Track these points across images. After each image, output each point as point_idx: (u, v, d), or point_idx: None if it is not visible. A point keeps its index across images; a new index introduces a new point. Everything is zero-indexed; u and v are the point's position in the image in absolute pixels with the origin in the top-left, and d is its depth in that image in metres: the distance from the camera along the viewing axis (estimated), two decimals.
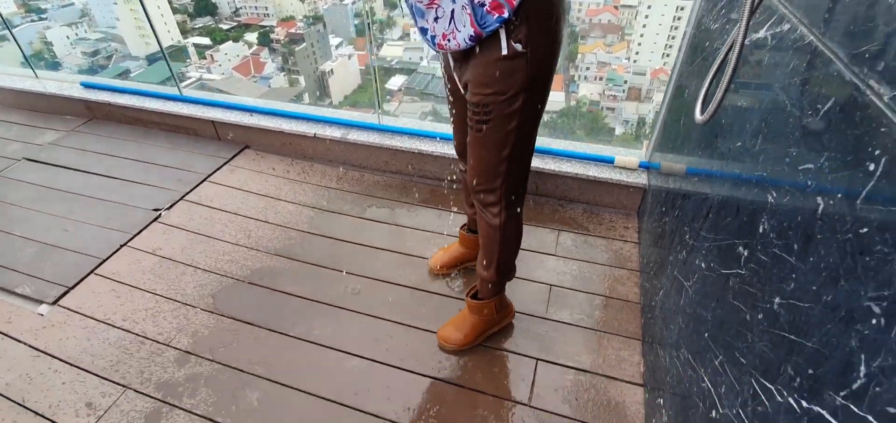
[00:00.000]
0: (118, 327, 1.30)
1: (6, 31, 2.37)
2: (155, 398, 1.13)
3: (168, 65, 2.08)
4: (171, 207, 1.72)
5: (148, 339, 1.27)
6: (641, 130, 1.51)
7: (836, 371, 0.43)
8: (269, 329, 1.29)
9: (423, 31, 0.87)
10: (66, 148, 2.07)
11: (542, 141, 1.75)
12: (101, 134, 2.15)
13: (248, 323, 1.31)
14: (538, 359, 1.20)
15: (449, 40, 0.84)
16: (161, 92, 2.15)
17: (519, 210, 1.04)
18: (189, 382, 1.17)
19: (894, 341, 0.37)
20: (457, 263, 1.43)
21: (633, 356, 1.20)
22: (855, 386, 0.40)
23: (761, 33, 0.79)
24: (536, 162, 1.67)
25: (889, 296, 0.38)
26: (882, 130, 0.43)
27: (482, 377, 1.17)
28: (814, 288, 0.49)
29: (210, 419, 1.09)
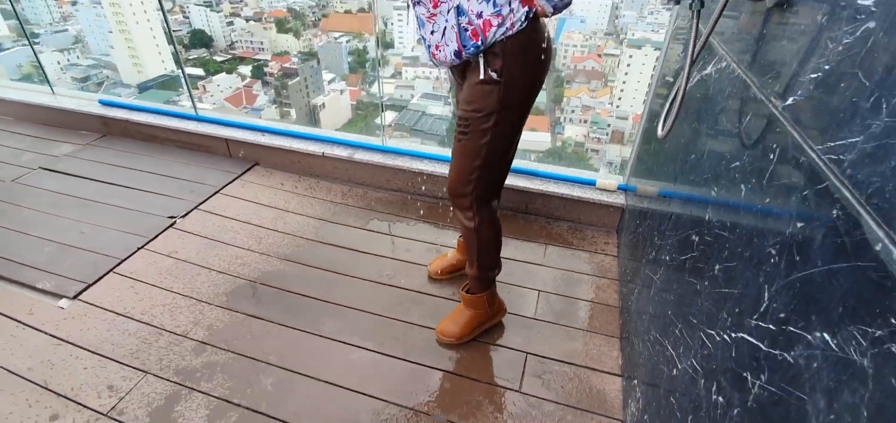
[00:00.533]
0: (137, 320, 1.38)
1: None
2: (174, 382, 1.21)
3: (187, 85, 2.23)
4: (185, 215, 1.83)
5: (166, 331, 1.35)
6: (624, 172, 1.71)
7: (751, 304, 0.58)
8: (281, 324, 1.39)
9: (424, 40, 1.05)
10: (82, 159, 2.17)
11: (531, 164, 1.94)
12: (117, 148, 2.27)
13: (261, 318, 1.41)
14: (527, 353, 1.33)
15: (440, 52, 1.02)
16: (177, 111, 2.30)
17: (490, 215, 1.20)
18: (206, 369, 1.25)
19: (783, 272, 0.53)
20: (453, 269, 1.57)
21: (612, 351, 1.33)
22: (762, 309, 0.56)
23: (708, 70, 0.99)
24: (526, 183, 1.85)
25: (780, 242, 0.54)
26: (777, 131, 0.61)
27: (477, 368, 1.28)
28: (739, 250, 0.65)
29: (226, 401, 1.17)
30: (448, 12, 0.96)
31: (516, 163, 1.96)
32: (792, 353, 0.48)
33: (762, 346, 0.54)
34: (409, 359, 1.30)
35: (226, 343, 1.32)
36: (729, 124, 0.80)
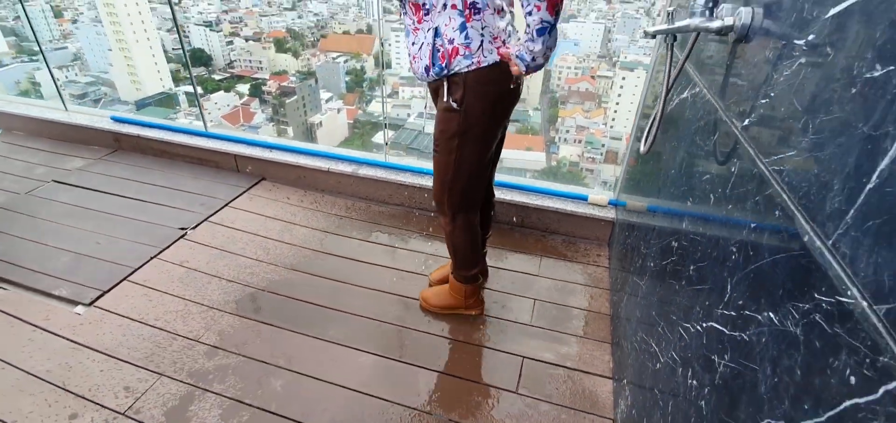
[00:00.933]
0: (151, 325, 1.44)
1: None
2: (188, 384, 1.27)
3: (198, 103, 2.33)
4: (196, 226, 1.91)
5: (179, 336, 1.42)
6: (615, 188, 1.83)
7: (718, 296, 0.67)
8: (289, 329, 1.46)
9: (408, 47, 1.16)
10: (94, 173, 2.25)
11: (526, 180, 2.04)
12: (128, 162, 2.35)
13: (270, 324, 1.47)
14: (524, 357, 1.40)
15: (415, 62, 1.14)
16: (188, 127, 2.39)
17: (465, 222, 1.32)
18: (218, 371, 1.31)
19: (741, 266, 0.62)
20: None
21: (604, 356, 1.41)
22: (725, 299, 0.64)
23: (685, 94, 1.10)
24: (522, 198, 1.94)
25: (739, 241, 0.64)
26: (737, 148, 0.71)
27: (476, 371, 1.35)
28: (708, 251, 0.74)
29: (238, 401, 1.23)
30: (428, 31, 1.07)
31: (512, 179, 2.06)
32: (747, 332, 0.56)
33: (725, 330, 0.62)
34: (411, 362, 1.37)
35: (236, 347, 1.39)
36: (702, 142, 0.90)
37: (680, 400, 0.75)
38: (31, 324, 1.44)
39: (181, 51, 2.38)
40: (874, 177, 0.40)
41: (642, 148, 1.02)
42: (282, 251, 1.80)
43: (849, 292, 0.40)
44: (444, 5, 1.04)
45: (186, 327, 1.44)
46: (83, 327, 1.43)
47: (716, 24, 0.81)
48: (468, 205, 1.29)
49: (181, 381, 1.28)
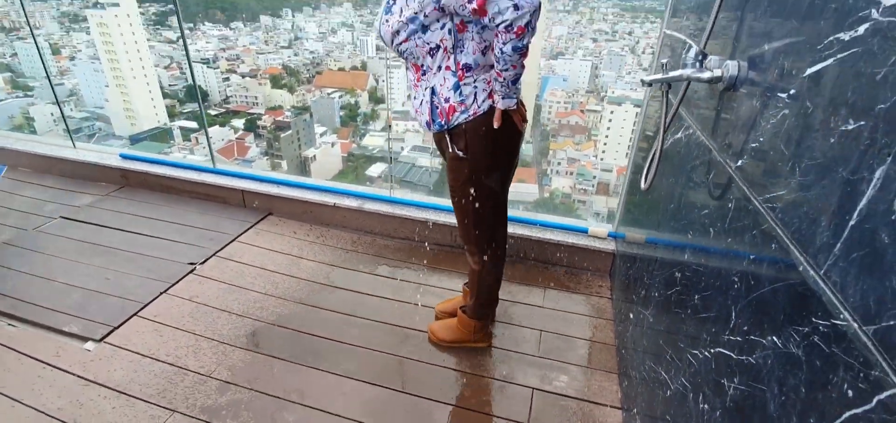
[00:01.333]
0: (162, 361, 1.45)
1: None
2: (201, 419, 1.27)
3: (207, 140, 2.40)
4: (204, 261, 1.93)
5: (191, 371, 1.42)
6: (613, 220, 1.92)
7: (723, 322, 0.73)
8: (300, 364, 1.47)
9: (412, 102, 1.24)
10: (102, 209, 2.28)
11: (527, 213, 2.11)
12: (136, 199, 2.39)
13: (281, 358, 1.48)
14: (534, 388, 1.42)
15: (418, 115, 1.21)
16: (196, 164, 2.45)
17: (492, 264, 1.37)
18: (231, 406, 1.32)
19: (744, 294, 0.68)
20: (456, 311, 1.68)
21: (612, 386, 1.44)
22: (731, 325, 0.70)
23: (679, 134, 1.19)
24: (524, 231, 2.01)
25: (740, 271, 0.70)
26: (732, 186, 0.78)
27: (488, 403, 1.37)
28: (712, 281, 0.80)
29: None
30: (426, 89, 1.16)
31: (513, 212, 2.13)
32: (754, 356, 0.62)
33: (733, 355, 0.68)
34: (422, 395, 1.38)
35: (248, 382, 1.39)
36: (698, 180, 0.98)
37: None
38: (41, 361, 1.44)
39: (194, 88, 2.47)
40: (855, 215, 0.47)
41: (643, 185, 1.09)
42: (290, 285, 1.83)
43: (841, 316, 0.46)
44: (439, 67, 1.13)
45: (198, 363, 1.45)
46: (94, 364, 1.43)
47: (706, 74, 0.91)
48: (495, 241, 1.35)
49: (194, 417, 1.28)
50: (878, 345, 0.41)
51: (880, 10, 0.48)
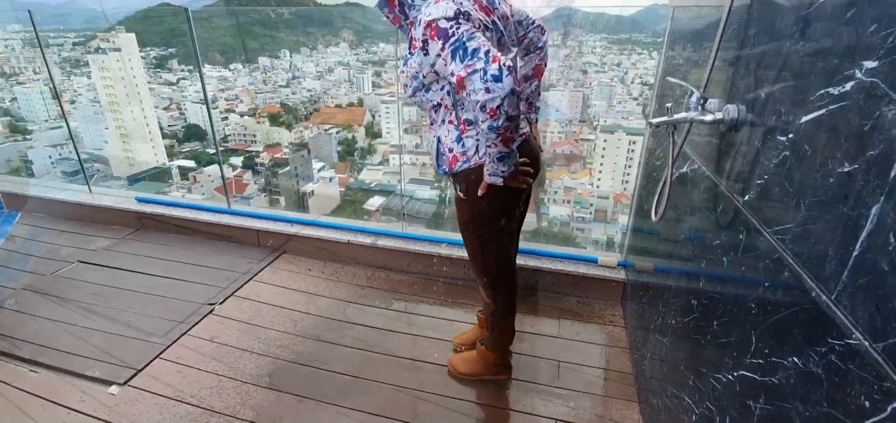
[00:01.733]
0: (187, 403, 1.46)
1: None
2: None
3: (223, 182, 2.47)
4: (223, 301, 1.96)
5: (216, 412, 1.44)
6: (621, 250, 1.98)
7: (744, 346, 0.78)
8: (323, 402, 1.49)
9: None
10: (119, 252, 2.32)
11: (537, 245, 2.18)
12: (152, 241, 2.43)
13: (304, 397, 1.50)
14: (556, 420, 1.45)
15: (431, 158, 1.28)
16: (211, 206, 2.51)
17: (504, 297, 1.41)
18: None
19: (762, 319, 0.74)
20: (475, 341, 1.72)
21: (633, 414, 1.47)
22: (752, 349, 0.76)
23: (685, 169, 1.27)
24: (535, 262, 2.07)
25: (757, 297, 0.76)
26: (741, 218, 0.86)
27: None
28: (729, 307, 0.86)
29: None
30: (434, 137, 1.25)
31: (524, 244, 2.19)
32: (777, 377, 0.67)
33: (757, 377, 0.73)
34: None
35: (274, 422, 1.41)
36: (707, 211, 1.06)
37: None
38: (65, 406, 1.45)
39: (210, 128, 2.56)
40: (857, 246, 0.54)
41: (654, 217, 1.17)
42: (308, 323, 1.86)
43: (853, 336, 0.52)
44: (443, 120, 1.21)
45: (222, 403, 1.47)
46: (119, 408, 1.44)
47: (708, 117, 1.00)
48: (506, 275, 1.39)
49: None
50: (888, 360, 0.47)
51: (863, 71, 0.57)
